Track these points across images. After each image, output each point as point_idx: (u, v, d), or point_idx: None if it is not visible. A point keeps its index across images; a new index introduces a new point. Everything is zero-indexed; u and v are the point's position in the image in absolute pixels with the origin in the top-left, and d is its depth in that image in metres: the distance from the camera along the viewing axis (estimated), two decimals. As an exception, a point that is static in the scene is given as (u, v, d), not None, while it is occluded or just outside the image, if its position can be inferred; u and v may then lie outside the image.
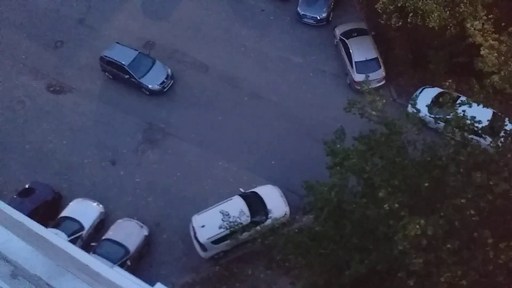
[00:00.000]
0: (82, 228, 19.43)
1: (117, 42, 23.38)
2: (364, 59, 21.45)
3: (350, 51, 21.82)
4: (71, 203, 20.11)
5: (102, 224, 19.90)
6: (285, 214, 19.05)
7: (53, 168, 21.47)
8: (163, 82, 22.69)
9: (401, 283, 11.08)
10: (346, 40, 22.16)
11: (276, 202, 19.21)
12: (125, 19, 24.78)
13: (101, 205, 20.17)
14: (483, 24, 13.03)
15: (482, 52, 12.55)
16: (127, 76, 22.81)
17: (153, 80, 22.62)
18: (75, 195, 20.46)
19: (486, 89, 12.61)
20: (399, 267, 11.08)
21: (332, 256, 13.48)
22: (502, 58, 12.05)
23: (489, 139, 14.34)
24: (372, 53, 21.65)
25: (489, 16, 13.24)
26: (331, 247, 13.53)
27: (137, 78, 22.64)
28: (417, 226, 10.23)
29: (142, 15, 24.97)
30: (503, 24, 12.76)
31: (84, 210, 19.81)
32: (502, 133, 13.84)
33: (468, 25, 14.49)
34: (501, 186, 10.35)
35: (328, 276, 13.80)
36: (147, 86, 22.66)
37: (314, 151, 19.21)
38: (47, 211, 19.74)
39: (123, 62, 22.62)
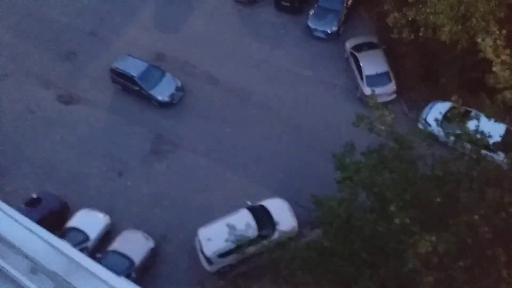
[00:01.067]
0: (87, 238, 19.43)
1: (127, 54, 23.69)
2: (375, 73, 21.44)
3: (361, 64, 21.83)
4: (77, 214, 20.16)
5: (107, 235, 19.88)
6: (293, 228, 18.87)
7: (61, 178, 21.60)
8: (173, 94, 22.87)
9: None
10: (356, 54, 22.20)
11: (283, 216, 19.05)
12: (136, 32, 25.14)
13: (107, 216, 20.18)
14: (495, 39, 12.99)
15: (494, 69, 12.48)
16: (137, 88, 23.04)
17: (162, 92, 22.81)
18: (81, 206, 20.51)
19: (497, 104, 12.48)
20: (409, 285, 10.85)
21: (341, 272, 13.27)
22: None
23: (502, 155, 14.14)
24: (383, 67, 21.64)
25: (502, 32, 13.20)
26: (340, 263, 13.33)
27: (146, 90, 22.84)
28: (428, 243, 10.03)
29: (153, 27, 25.33)
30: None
31: (90, 221, 19.83)
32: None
33: (479, 40, 14.44)
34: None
35: (337, 292, 13.56)
36: (157, 98, 22.84)
37: (323, 165, 19.10)
38: (54, 221, 19.74)
39: (133, 74, 22.88)
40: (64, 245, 7.77)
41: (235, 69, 23.65)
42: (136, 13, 25.64)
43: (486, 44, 12.60)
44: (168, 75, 23.17)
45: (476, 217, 10.53)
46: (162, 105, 22.96)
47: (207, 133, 22.22)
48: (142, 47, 24.46)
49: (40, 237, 7.99)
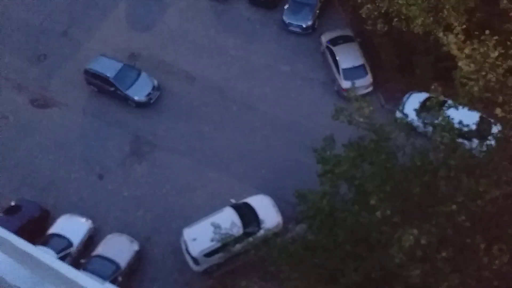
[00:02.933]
0: (70, 244, 19.19)
1: (101, 54, 23.29)
2: (351, 66, 21.68)
3: (337, 58, 22.05)
4: (58, 220, 19.86)
5: (91, 240, 19.67)
6: (278, 224, 19.04)
7: (39, 184, 21.20)
8: (150, 93, 22.63)
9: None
10: (332, 48, 22.39)
11: (268, 212, 19.19)
12: (109, 31, 24.71)
13: (89, 221, 19.95)
14: (456, 34, 13.37)
15: (459, 64, 12.89)
16: (112, 89, 22.71)
17: (139, 92, 22.54)
18: (62, 211, 20.20)
19: (469, 93, 12.87)
20: (395, 278, 11.16)
21: (327, 265, 13.53)
22: (478, 66, 12.37)
23: (476, 142, 14.59)
24: (358, 60, 21.89)
25: (462, 27, 13.60)
26: (325, 255, 13.58)
27: (122, 90, 22.55)
28: (411, 237, 10.32)
29: (126, 26, 24.94)
30: (476, 32, 13.13)
31: (72, 226, 19.58)
32: (490, 137, 14.10)
33: (441, 35, 14.77)
34: (491, 193, 10.53)
35: (323, 285, 13.83)
36: (133, 98, 22.57)
37: (305, 159, 19.30)
38: (34, 228, 19.45)
39: (108, 75, 22.53)
40: (41, 254, 7.54)
41: (212, 66, 23.55)
42: (108, 13, 25.18)
43: (450, 41, 12.97)
44: (144, 75, 22.91)
45: (454, 206, 10.89)
46: (139, 105, 22.71)
47: (186, 132, 22.13)
48: (116, 46, 24.08)
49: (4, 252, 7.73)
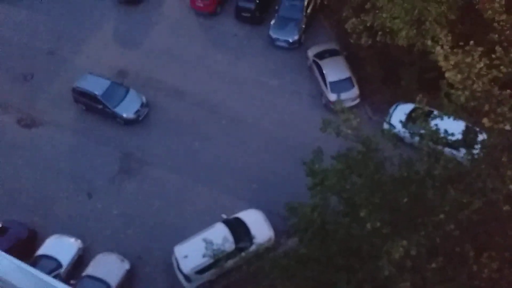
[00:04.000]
0: (60, 265, 19.02)
1: (89, 72, 23.39)
2: (338, 79, 22.07)
3: (324, 72, 22.45)
4: (47, 240, 19.70)
5: (81, 260, 19.50)
6: (270, 238, 19.09)
7: (26, 205, 21.03)
8: (138, 110, 22.74)
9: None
10: (319, 61, 22.81)
11: (260, 226, 19.25)
12: (96, 49, 24.88)
13: (79, 240, 19.81)
14: (442, 46, 13.79)
15: (446, 75, 13.26)
16: (100, 106, 22.77)
17: (127, 109, 22.64)
18: (51, 232, 20.05)
19: (455, 102, 13.20)
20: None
21: (319, 278, 13.58)
22: (464, 76, 12.74)
23: (463, 151, 14.88)
24: (345, 73, 22.31)
25: (447, 38, 14.04)
26: (318, 268, 13.65)
27: (111, 108, 22.62)
28: (401, 249, 10.46)
29: (114, 44, 25.14)
30: (460, 43, 13.56)
31: (61, 247, 19.42)
32: (476, 145, 14.40)
33: (429, 43, 15.19)
34: (475, 204, 10.77)
35: (316, 299, 13.85)
36: (122, 115, 22.65)
37: (295, 172, 19.44)
38: (22, 250, 19.18)
39: (96, 92, 22.61)
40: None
41: (200, 81, 23.79)
42: (95, 30, 25.39)
43: (437, 53, 13.37)
44: (132, 92, 23.04)
45: (441, 216, 11.09)
46: (127, 122, 22.78)
47: (176, 148, 22.21)
48: (104, 64, 24.23)
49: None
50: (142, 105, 22.91)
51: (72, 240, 19.77)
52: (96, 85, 22.79)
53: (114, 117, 22.81)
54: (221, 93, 23.41)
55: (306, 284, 14.10)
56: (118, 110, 22.61)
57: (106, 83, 22.90)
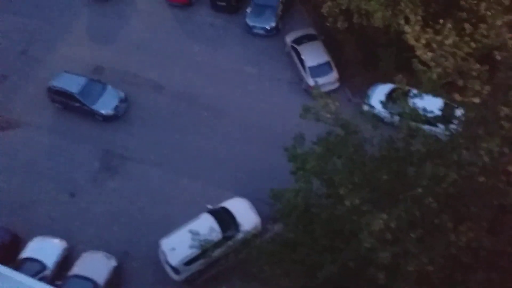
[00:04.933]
0: (45, 267, 19.14)
1: (64, 71, 23.36)
2: (317, 64, 22.46)
3: (302, 57, 22.80)
4: (30, 243, 19.78)
5: (66, 261, 19.63)
6: (256, 225, 19.48)
7: (7, 208, 21.04)
8: (117, 106, 22.82)
9: (372, 279, 11.71)
10: (297, 47, 23.14)
11: (246, 214, 19.61)
12: (70, 47, 24.82)
13: (63, 241, 19.94)
14: (413, 25, 14.20)
15: (417, 53, 13.68)
16: (78, 104, 22.79)
17: (106, 105, 22.71)
18: (34, 234, 20.11)
19: (429, 80, 13.63)
20: (369, 263, 11.73)
21: (306, 260, 14.01)
22: (435, 54, 13.19)
23: (442, 127, 15.37)
24: (323, 57, 22.69)
25: (417, 18, 14.43)
26: (304, 251, 14.07)
27: (89, 106, 22.66)
28: (381, 221, 10.92)
29: (87, 40, 25.11)
30: (430, 22, 13.99)
31: (45, 249, 19.53)
32: (454, 121, 14.89)
33: (402, 22, 15.57)
34: (451, 176, 11.26)
35: (305, 281, 14.29)
36: (100, 112, 22.70)
37: (278, 159, 19.72)
38: (5, 255, 19.25)
39: (73, 91, 22.63)
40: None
41: (178, 74, 23.94)
42: (67, 28, 25.31)
43: (407, 32, 13.78)
44: (109, 88, 23.10)
45: (420, 190, 11.56)
46: (106, 119, 22.86)
47: (157, 142, 22.38)
48: (79, 62, 24.20)
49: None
50: (121, 100, 22.99)
51: (56, 241, 19.89)
52: (72, 83, 22.79)
53: (93, 115, 22.87)
54: (200, 84, 23.60)
55: (294, 267, 14.52)
56: (96, 107, 22.66)
57: (82, 81, 22.92)
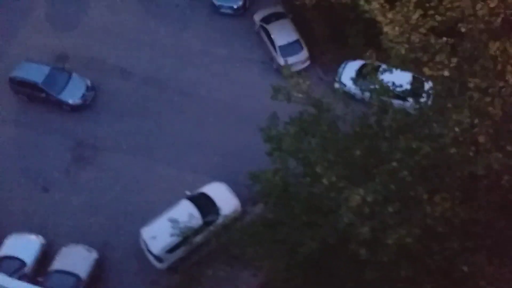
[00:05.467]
0: (24, 264, 18.96)
1: (25, 60, 22.59)
2: (287, 43, 22.49)
3: (272, 36, 22.76)
4: (6, 241, 19.49)
5: (45, 256, 19.46)
6: (236, 208, 19.73)
7: (-22, 208, 20.54)
8: (84, 95, 22.34)
9: (353, 254, 12.19)
10: (266, 26, 23.06)
11: (225, 198, 19.80)
12: (30, 34, 23.94)
13: (40, 236, 19.71)
14: (378, 1, 14.37)
15: (385, 29, 13.90)
16: (43, 95, 22.19)
17: (72, 94, 22.20)
18: (9, 232, 19.75)
19: (398, 55, 13.92)
20: (349, 239, 12.18)
21: (287, 239, 14.38)
22: (402, 29, 13.44)
23: (411, 101, 15.80)
24: (293, 36, 22.72)
25: None
26: (284, 230, 14.42)
27: (54, 95, 22.10)
28: (358, 197, 11.31)
29: (49, 27, 24.24)
30: None
31: (22, 245, 19.30)
32: (423, 94, 15.34)
33: (361, 3, 15.71)
34: (424, 149, 11.69)
35: (287, 259, 14.70)
36: (67, 102, 22.20)
37: (254, 140, 19.81)
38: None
39: (36, 80, 21.98)
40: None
41: (146, 58, 23.52)
42: (26, 15, 24.32)
43: (374, 8, 13.95)
44: (75, 76, 22.54)
45: (394, 163, 11.98)
46: (74, 108, 22.39)
47: (129, 129, 22.13)
48: (41, 50, 23.42)
49: None
50: (88, 88, 22.50)
51: (33, 237, 19.65)
52: (35, 73, 22.12)
53: (60, 105, 22.33)
54: (169, 68, 23.30)
55: (276, 247, 14.89)
56: (62, 96, 22.12)
57: (45, 70, 22.26)
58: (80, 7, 24.59)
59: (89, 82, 22.65)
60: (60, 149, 21.73)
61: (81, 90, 22.29)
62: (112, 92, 22.91)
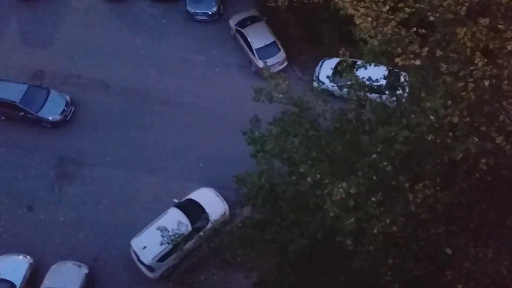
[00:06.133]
0: (13, 286, 18.81)
1: (1, 79, 22.48)
2: (263, 45, 22.88)
3: (248, 39, 23.12)
4: (-7, 263, 19.31)
5: (35, 276, 19.33)
6: (225, 212, 19.92)
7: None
8: (64, 110, 22.35)
9: (340, 246, 12.49)
10: (242, 30, 23.42)
11: (213, 203, 19.98)
12: (4, 53, 23.87)
13: (28, 256, 19.61)
14: None
15: (356, 22, 14.27)
16: (22, 113, 22.12)
17: (52, 111, 22.19)
18: (-4, 254, 19.64)
19: (371, 49, 14.31)
20: (336, 232, 12.48)
21: (277, 238, 14.61)
22: (374, 23, 13.80)
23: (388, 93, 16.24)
24: (269, 38, 23.13)
25: None
26: (274, 230, 14.65)
27: (34, 113, 22.07)
28: (341, 190, 11.63)
29: (22, 44, 24.20)
30: None
31: (10, 267, 19.19)
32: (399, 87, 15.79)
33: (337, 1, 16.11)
34: (402, 134, 12.07)
35: (278, 258, 14.93)
36: (48, 119, 22.18)
37: (238, 144, 20.11)
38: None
39: (14, 99, 21.94)
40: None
41: (124, 69, 23.64)
42: (-1, 34, 24.24)
43: (345, 3, 14.33)
44: (53, 92, 22.55)
45: (374, 155, 12.34)
46: (55, 125, 22.38)
47: (112, 142, 22.18)
48: (15, 68, 23.39)
49: None
50: (67, 104, 22.50)
51: (20, 257, 19.53)
52: (12, 92, 22.07)
53: (40, 122, 22.28)
54: (149, 78, 23.44)
55: (266, 247, 15.10)
56: (42, 114, 22.09)
57: (23, 88, 22.21)
58: (54, 23, 24.62)
59: (68, 98, 22.65)
60: (43, 167, 21.66)
61: (61, 106, 22.29)
62: (93, 105, 22.94)
